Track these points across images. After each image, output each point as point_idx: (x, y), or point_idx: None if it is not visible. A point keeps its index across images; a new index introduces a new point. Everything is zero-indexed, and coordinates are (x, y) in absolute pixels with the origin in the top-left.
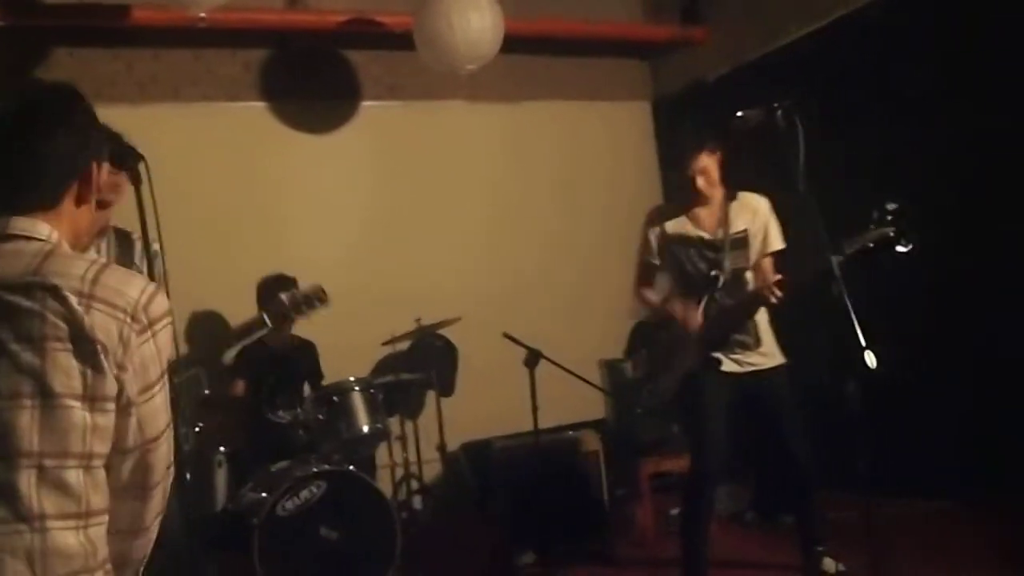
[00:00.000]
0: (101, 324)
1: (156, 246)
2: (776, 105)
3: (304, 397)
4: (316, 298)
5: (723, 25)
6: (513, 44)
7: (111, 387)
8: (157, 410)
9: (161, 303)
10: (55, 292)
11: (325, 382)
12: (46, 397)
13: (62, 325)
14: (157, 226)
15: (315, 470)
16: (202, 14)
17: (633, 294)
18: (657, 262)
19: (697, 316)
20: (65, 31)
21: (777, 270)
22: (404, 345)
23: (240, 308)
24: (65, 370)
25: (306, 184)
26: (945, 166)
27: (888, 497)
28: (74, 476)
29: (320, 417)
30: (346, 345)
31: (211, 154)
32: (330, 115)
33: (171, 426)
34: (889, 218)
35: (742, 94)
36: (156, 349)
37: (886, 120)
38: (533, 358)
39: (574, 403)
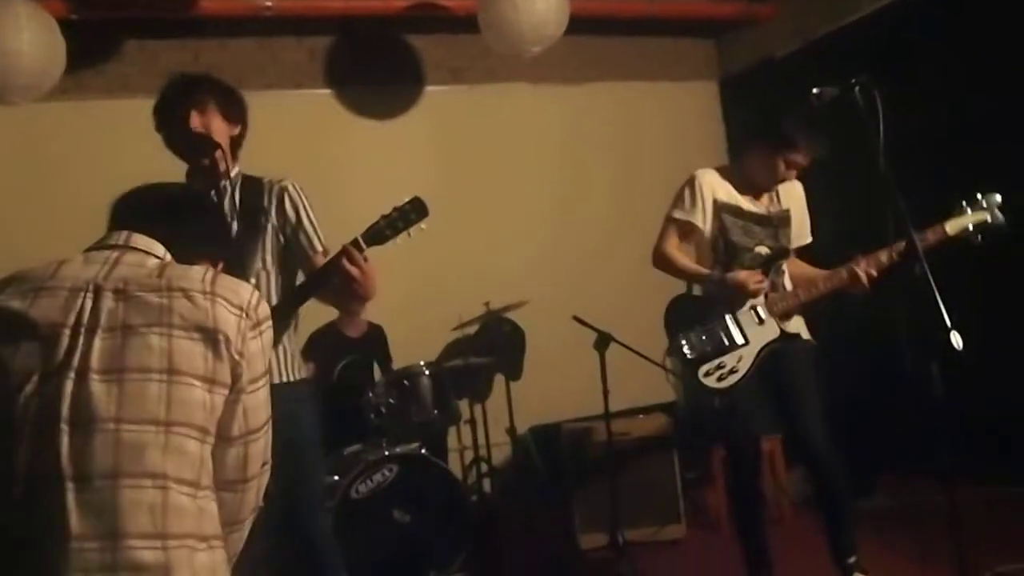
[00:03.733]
0: (224, 316)
1: (287, 182)
2: (854, 81)
3: (375, 381)
4: (414, 211)
5: (791, 1)
6: (577, 25)
7: (228, 373)
8: (260, 403)
9: (265, 307)
10: (183, 291)
11: (395, 366)
12: (172, 374)
13: (189, 317)
14: None
15: (387, 453)
16: (268, 2)
17: (654, 253)
18: (700, 224)
19: (763, 285)
20: (134, 22)
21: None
22: (472, 329)
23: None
24: (189, 353)
25: (371, 170)
26: None
27: (971, 483)
28: (194, 445)
29: (391, 401)
30: (415, 329)
31: (277, 142)
32: (394, 100)
33: (270, 423)
34: (984, 204)
35: (812, 72)
36: (262, 346)
37: (961, 98)
38: (603, 341)
39: (644, 385)
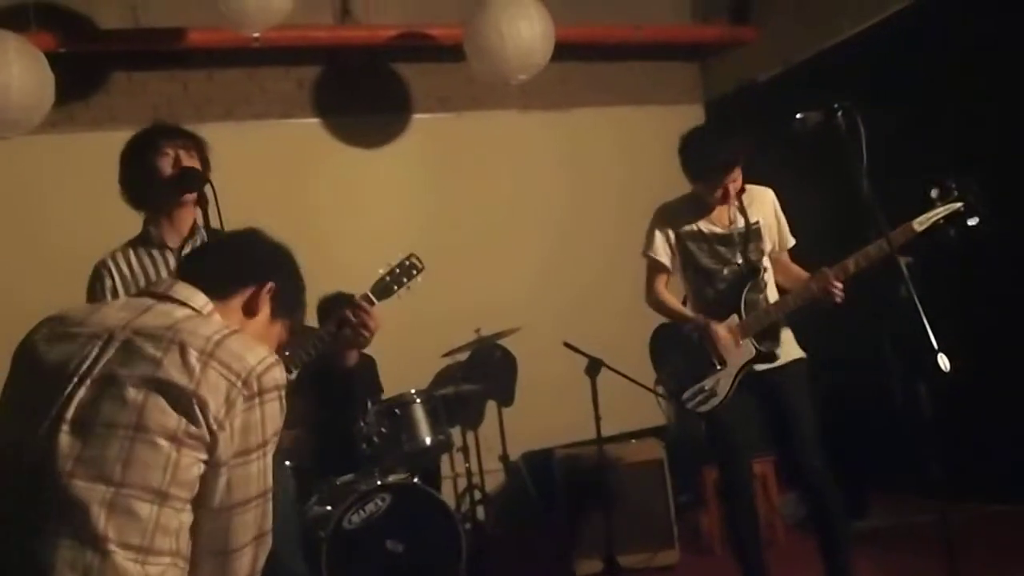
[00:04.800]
0: (212, 382)
1: None
2: (836, 106)
3: (367, 410)
4: (413, 266)
5: (773, 25)
6: (563, 51)
7: (202, 439)
8: (250, 476)
9: (276, 376)
10: (181, 346)
11: (385, 395)
12: (138, 431)
13: (174, 375)
14: None
15: (380, 483)
16: (256, 34)
17: (647, 296)
18: (666, 261)
19: (726, 335)
20: (122, 55)
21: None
22: (463, 356)
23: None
24: (162, 411)
25: (361, 198)
26: (1008, 166)
27: (963, 501)
28: (146, 509)
29: (383, 430)
30: (405, 358)
31: (266, 171)
32: (383, 129)
33: (267, 497)
34: (955, 193)
35: (794, 94)
36: (260, 417)
37: (943, 119)
38: (594, 366)
39: (636, 411)
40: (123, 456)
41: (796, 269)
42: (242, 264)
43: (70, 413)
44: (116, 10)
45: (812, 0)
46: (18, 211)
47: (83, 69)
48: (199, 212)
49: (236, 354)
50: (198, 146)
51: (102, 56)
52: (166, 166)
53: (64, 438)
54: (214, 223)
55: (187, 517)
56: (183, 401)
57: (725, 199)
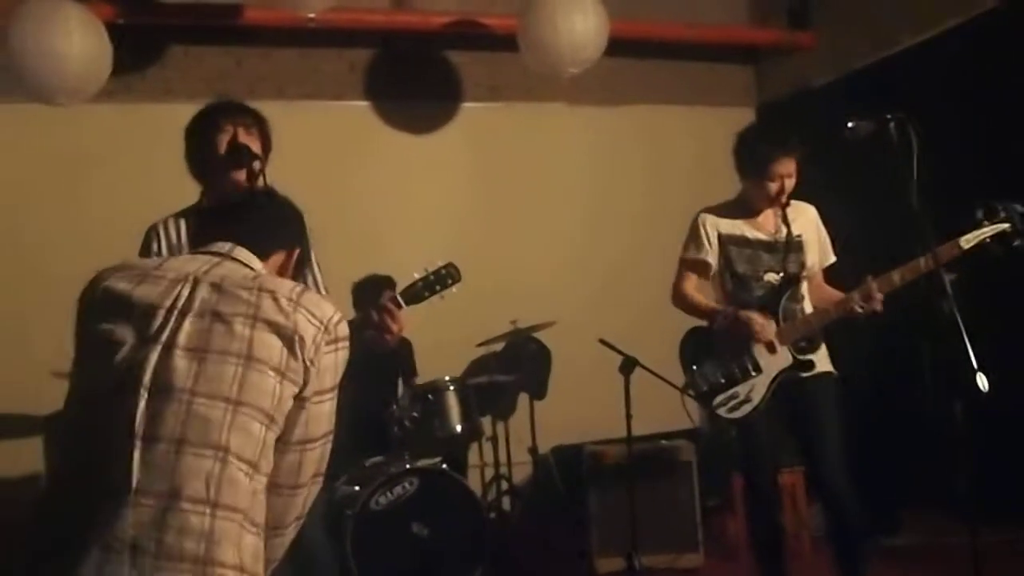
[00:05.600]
0: (303, 324)
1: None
2: (889, 117)
3: (399, 394)
4: (449, 276)
5: (831, 31)
6: (615, 47)
7: (300, 373)
8: (323, 414)
9: (345, 327)
10: (271, 294)
11: (419, 380)
12: (249, 360)
13: (272, 316)
14: None
15: (409, 466)
16: (311, 14)
17: (672, 295)
18: (711, 260)
19: (772, 329)
20: (179, 29)
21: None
22: (498, 346)
23: (337, 304)
24: (267, 345)
25: (406, 183)
26: None
27: (993, 523)
28: (257, 428)
29: (415, 415)
30: (440, 344)
31: (314, 152)
32: (432, 115)
33: (330, 437)
34: (1002, 214)
35: (849, 102)
36: (335, 362)
37: (997, 133)
38: (629, 365)
39: (668, 411)
40: (238, 379)
41: (830, 289)
42: (277, 229)
43: (181, 340)
44: None
45: (871, 8)
46: (71, 177)
47: (140, 41)
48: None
49: (316, 303)
50: (259, 124)
51: (159, 29)
52: (223, 143)
53: (180, 362)
54: None
55: (272, 448)
56: (286, 337)
57: (779, 196)
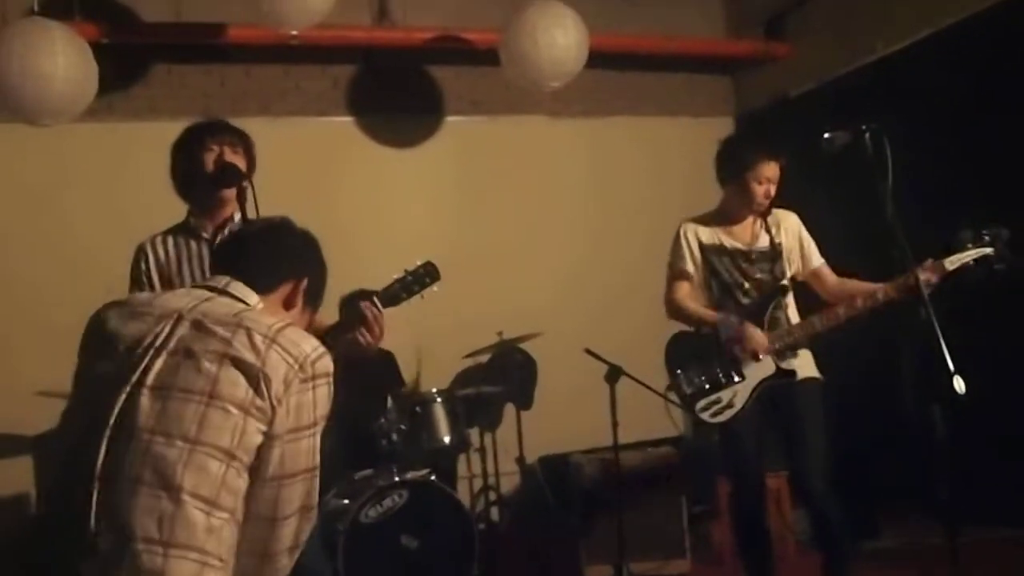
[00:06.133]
0: (274, 362)
1: None
2: (864, 128)
3: (387, 407)
4: (427, 275)
5: (808, 41)
6: (596, 59)
7: (267, 410)
8: (300, 451)
9: (326, 364)
10: (248, 331)
11: (406, 392)
12: (212, 398)
13: (242, 354)
14: None
15: (397, 479)
16: (295, 32)
17: (667, 303)
18: (692, 270)
19: (763, 337)
20: (163, 48)
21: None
22: (484, 357)
23: (324, 317)
24: (233, 382)
25: (391, 198)
26: None
27: (972, 524)
28: (216, 466)
29: (403, 427)
30: (427, 356)
31: (299, 167)
32: (415, 129)
33: (315, 473)
34: (986, 238)
35: (826, 111)
36: (313, 399)
37: (972, 140)
38: (614, 374)
39: (653, 419)
40: (198, 418)
41: (850, 281)
42: (282, 262)
43: (150, 379)
44: (159, 3)
45: (847, 19)
46: (53, 197)
47: (124, 60)
48: (237, 206)
49: (294, 342)
50: (244, 143)
51: (143, 48)
52: (209, 161)
53: (145, 401)
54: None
55: (243, 483)
56: (252, 375)
57: (764, 199)
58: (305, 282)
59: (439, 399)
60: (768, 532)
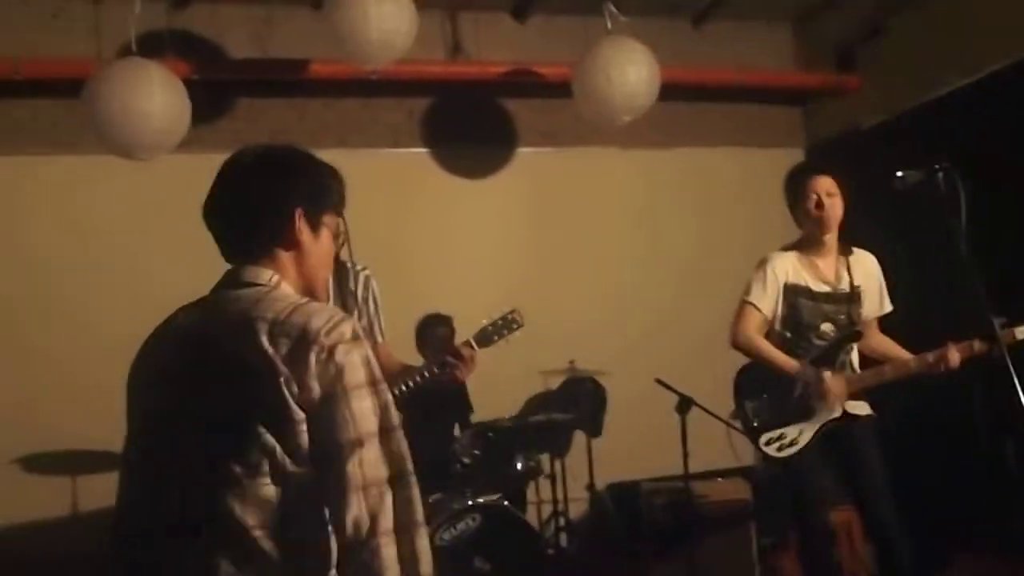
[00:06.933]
0: (285, 354)
1: (368, 271)
2: (937, 167)
3: (459, 432)
4: (514, 321)
5: (878, 74)
6: (667, 91)
7: (294, 410)
8: (343, 420)
9: (342, 331)
10: (253, 334)
11: (476, 418)
12: (240, 423)
13: (253, 359)
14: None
15: (471, 503)
16: (374, 68)
17: (737, 337)
18: (768, 313)
19: (843, 390)
20: (247, 83)
21: (881, 330)
22: (555, 384)
23: (399, 347)
24: (255, 398)
25: (464, 227)
26: None
27: None
28: (271, 490)
29: (476, 452)
30: (499, 382)
31: (375, 197)
32: (487, 161)
33: (372, 441)
34: None
35: (898, 143)
36: (337, 370)
37: None
38: (685, 404)
39: (724, 449)
40: (234, 450)
41: (884, 338)
42: (260, 214)
43: (158, 408)
44: (244, 39)
45: (918, 51)
46: (145, 225)
47: (210, 94)
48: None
49: (302, 323)
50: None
51: (229, 83)
52: None
53: (154, 437)
54: (343, 255)
55: (304, 488)
56: (269, 382)
57: (820, 211)
58: (297, 213)
59: (511, 425)
60: (838, 566)
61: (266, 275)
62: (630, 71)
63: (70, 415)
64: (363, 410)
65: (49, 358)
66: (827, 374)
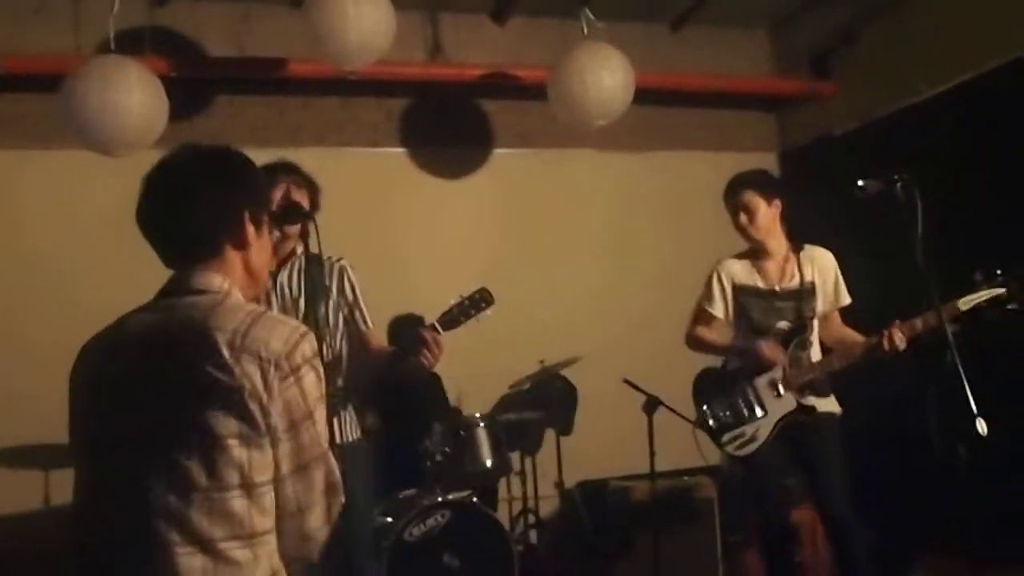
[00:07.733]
0: (248, 372)
1: (344, 261)
2: (896, 177)
3: (432, 428)
4: (483, 300)
5: (852, 80)
6: (642, 95)
7: (260, 426)
8: (304, 444)
9: (304, 350)
10: (214, 345)
11: (452, 414)
12: (211, 438)
13: (219, 375)
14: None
15: (441, 499)
16: (353, 69)
17: (688, 336)
18: (720, 315)
19: (776, 349)
20: (226, 81)
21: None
22: (526, 384)
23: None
24: (223, 415)
25: (440, 227)
26: None
27: (998, 563)
28: (238, 504)
29: (447, 449)
30: (469, 381)
31: (352, 196)
32: (464, 161)
33: (325, 456)
34: (1000, 278)
35: (870, 150)
36: (300, 391)
37: (1014, 186)
38: (651, 404)
39: (691, 448)
40: (203, 464)
41: (848, 330)
42: (211, 222)
43: (112, 424)
44: (223, 37)
45: (892, 59)
46: (121, 222)
47: (189, 92)
48: (301, 243)
49: (263, 341)
50: (309, 186)
51: (208, 81)
52: (276, 197)
53: (116, 455)
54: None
55: (271, 497)
56: (232, 399)
57: (744, 228)
58: (243, 215)
59: (482, 423)
60: (799, 563)
61: (216, 281)
62: (605, 76)
63: (45, 408)
64: (321, 424)
65: (25, 351)
66: (759, 340)
